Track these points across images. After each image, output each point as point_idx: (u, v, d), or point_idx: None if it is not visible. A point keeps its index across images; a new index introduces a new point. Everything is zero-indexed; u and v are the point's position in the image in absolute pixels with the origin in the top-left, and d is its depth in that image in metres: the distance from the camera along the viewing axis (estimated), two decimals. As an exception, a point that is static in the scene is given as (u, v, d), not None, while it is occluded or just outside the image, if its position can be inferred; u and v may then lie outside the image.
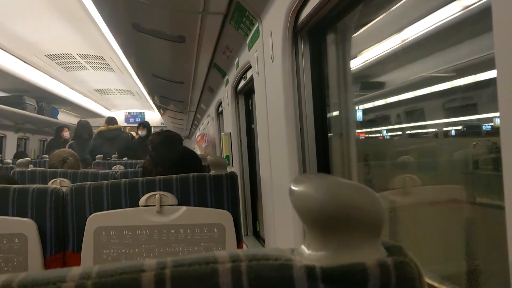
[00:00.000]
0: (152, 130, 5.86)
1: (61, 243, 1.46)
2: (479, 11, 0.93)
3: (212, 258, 0.36)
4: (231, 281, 0.35)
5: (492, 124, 1.02)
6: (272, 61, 1.56)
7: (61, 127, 6.59)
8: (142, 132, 5.56)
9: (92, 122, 5.85)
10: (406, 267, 0.37)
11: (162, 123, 10.80)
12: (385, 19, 1.31)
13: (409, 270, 0.37)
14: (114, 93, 8.50)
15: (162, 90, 5.05)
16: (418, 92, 1.37)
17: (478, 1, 0.95)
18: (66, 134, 6.28)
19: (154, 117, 11.06)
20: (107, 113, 9.25)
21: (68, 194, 1.48)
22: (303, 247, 0.39)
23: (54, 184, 2.34)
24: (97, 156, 4.50)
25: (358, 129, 1.57)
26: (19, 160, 2.73)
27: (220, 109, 3.92)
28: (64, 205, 1.47)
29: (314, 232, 0.38)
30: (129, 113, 11.41)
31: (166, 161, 1.62)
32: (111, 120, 5.80)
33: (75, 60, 5.40)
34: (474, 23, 1.00)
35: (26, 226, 1.40)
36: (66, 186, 1.53)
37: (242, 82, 2.61)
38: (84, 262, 1.42)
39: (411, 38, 1.25)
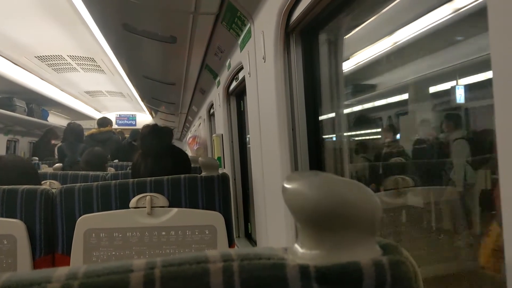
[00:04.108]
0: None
1: (50, 245, 1.45)
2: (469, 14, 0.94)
3: (203, 257, 0.35)
4: (223, 281, 0.34)
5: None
6: (264, 62, 1.55)
7: (50, 129, 6.53)
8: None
9: (83, 124, 5.79)
10: (401, 266, 0.36)
11: (153, 125, 10.73)
12: (378, 21, 1.31)
13: (405, 269, 0.36)
14: (105, 95, 8.45)
15: (153, 92, 5.03)
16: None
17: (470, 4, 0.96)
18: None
19: (145, 119, 11.01)
20: (97, 115, 9.18)
21: (58, 196, 1.46)
22: (297, 246, 0.38)
23: (44, 185, 2.31)
24: None
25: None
26: (8, 162, 2.69)
27: (211, 110, 3.91)
28: (54, 207, 1.46)
29: (307, 231, 0.37)
30: (120, 115, 11.35)
31: (154, 152, 1.61)
32: (103, 122, 5.73)
33: (65, 61, 5.36)
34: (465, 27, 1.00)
35: (15, 227, 1.39)
36: (55, 188, 1.51)
37: (234, 83, 2.61)
38: (73, 264, 1.39)
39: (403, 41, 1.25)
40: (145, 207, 1.43)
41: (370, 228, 0.37)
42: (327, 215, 0.35)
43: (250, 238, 2.96)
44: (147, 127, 1.68)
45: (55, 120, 8.20)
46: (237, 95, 2.91)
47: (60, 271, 0.34)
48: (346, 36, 1.45)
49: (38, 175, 1.83)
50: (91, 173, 2.65)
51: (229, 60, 2.36)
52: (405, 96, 1.40)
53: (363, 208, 0.36)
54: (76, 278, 0.33)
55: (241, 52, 1.94)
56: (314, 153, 1.47)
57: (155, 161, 1.59)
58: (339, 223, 0.36)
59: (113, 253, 1.41)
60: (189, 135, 6.85)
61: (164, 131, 1.67)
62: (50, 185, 2.31)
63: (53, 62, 5.34)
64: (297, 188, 0.37)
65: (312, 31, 1.44)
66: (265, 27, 1.52)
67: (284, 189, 0.38)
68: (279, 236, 1.58)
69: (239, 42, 1.93)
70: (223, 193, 1.51)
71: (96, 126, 5.73)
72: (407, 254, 0.37)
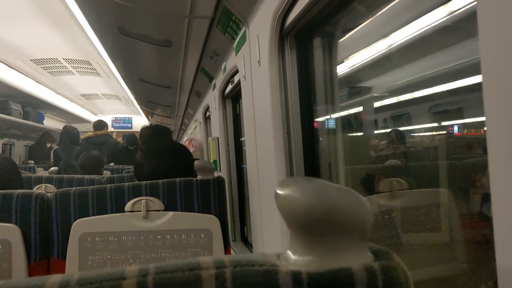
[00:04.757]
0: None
1: (45, 250, 1.44)
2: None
3: (196, 264, 0.36)
4: None
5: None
6: (259, 65, 1.55)
7: (46, 132, 6.51)
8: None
9: (79, 127, 5.76)
10: (393, 272, 0.36)
11: (149, 128, 10.72)
12: (372, 24, 1.31)
13: (396, 274, 0.36)
14: (101, 98, 8.43)
15: (149, 95, 5.03)
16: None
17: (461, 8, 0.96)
18: None
19: (141, 122, 10.98)
20: (93, 118, 9.15)
21: (53, 200, 1.45)
22: (289, 252, 0.38)
23: (39, 189, 2.30)
24: None
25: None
26: (3, 166, 2.68)
27: (207, 113, 3.91)
28: (49, 211, 1.45)
29: (299, 237, 0.37)
30: (116, 118, 11.33)
31: (157, 153, 1.61)
32: (100, 125, 5.71)
33: (61, 65, 5.35)
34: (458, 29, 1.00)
35: (10, 231, 1.38)
36: (51, 192, 1.50)
37: (230, 87, 2.61)
38: (69, 269, 1.39)
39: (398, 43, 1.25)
40: (141, 211, 1.43)
41: (362, 234, 0.37)
42: (319, 221, 0.36)
43: (246, 241, 2.96)
44: (147, 128, 1.68)
45: (51, 123, 8.17)
46: (233, 98, 2.91)
47: (53, 279, 0.34)
48: (341, 40, 1.45)
49: (21, 176, 1.80)
50: (86, 176, 2.64)
51: (224, 63, 2.36)
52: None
53: (355, 214, 0.36)
54: (69, 285, 0.34)
55: (236, 55, 1.94)
56: (309, 156, 1.47)
57: (159, 162, 1.59)
58: (331, 229, 0.36)
59: (109, 257, 1.40)
60: (185, 137, 6.85)
61: (165, 132, 1.67)
62: (46, 189, 2.31)
63: (49, 65, 5.32)
64: (290, 194, 0.37)
65: (307, 35, 1.44)
66: (260, 31, 1.52)
67: (277, 195, 0.39)
68: (275, 239, 1.58)
69: (234, 45, 1.93)
70: (218, 196, 1.51)
71: (92, 129, 5.72)
72: (399, 260, 0.37)
